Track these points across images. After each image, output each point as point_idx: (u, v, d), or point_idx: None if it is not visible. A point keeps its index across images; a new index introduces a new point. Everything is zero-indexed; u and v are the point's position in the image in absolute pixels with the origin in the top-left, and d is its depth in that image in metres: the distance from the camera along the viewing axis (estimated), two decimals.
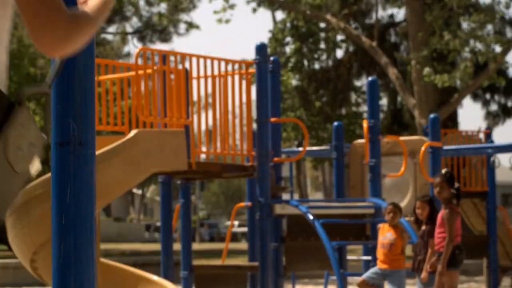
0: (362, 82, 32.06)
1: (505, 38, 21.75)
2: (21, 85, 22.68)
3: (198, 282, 10.00)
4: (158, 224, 44.41)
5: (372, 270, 9.48)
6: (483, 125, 36.68)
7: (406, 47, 28.56)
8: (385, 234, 9.44)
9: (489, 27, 21.96)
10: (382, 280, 9.50)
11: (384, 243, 9.40)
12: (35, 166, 2.12)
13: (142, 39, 33.49)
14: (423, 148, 11.15)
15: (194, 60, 9.38)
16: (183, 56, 10.05)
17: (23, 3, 1.94)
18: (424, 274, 9.06)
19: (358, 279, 9.57)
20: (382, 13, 31.91)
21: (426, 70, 21.19)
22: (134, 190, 59.17)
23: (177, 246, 10.74)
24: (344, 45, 31.26)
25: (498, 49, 21.68)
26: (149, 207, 75.23)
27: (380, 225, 9.64)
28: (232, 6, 23.73)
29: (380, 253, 9.41)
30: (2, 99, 2.02)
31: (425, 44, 21.55)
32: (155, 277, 8.75)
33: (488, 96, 31.66)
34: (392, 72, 23.36)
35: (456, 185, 9.35)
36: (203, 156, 9.85)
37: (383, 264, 9.36)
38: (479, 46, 21.19)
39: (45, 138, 2.13)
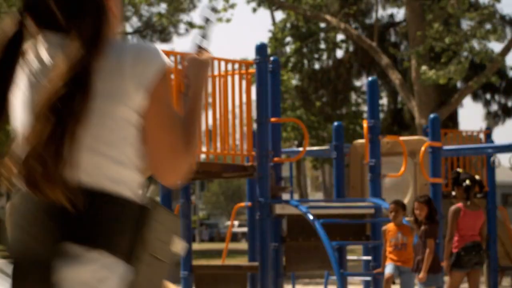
0: (362, 82, 32.07)
1: (502, 32, 21.69)
2: None
3: (198, 282, 10.00)
4: None
5: (390, 265, 9.47)
6: (483, 125, 36.69)
7: (406, 47, 28.56)
8: (396, 236, 9.44)
9: (488, 26, 21.91)
10: (397, 275, 9.53)
11: (398, 245, 9.40)
12: (178, 245, 2.29)
13: (142, 39, 33.51)
14: (423, 148, 11.15)
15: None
16: (183, 56, 10.05)
17: (153, 142, 2.23)
18: (422, 275, 9.06)
19: (359, 278, 9.58)
20: (382, 13, 31.93)
21: (423, 68, 21.18)
22: None
23: None
24: (344, 45, 31.26)
25: (496, 48, 21.69)
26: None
27: (386, 227, 9.62)
28: (232, 6, 23.73)
29: (394, 254, 9.41)
30: (132, 208, 2.21)
31: (422, 42, 21.55)
32: None
33: (488, 96, 31.67)
34: (392, 72, 23.37)
35: (467, 182, 9.36)
36: (203, 156, 9.85)
37: (398, 262, 9.38)
38: (476, 46, 21.17)
39: (178, 217, 2.33)
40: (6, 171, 2.18)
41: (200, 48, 2.59)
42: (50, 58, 2.22)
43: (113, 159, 2.19)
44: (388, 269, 9.57)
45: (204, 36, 2.58)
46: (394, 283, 9.53)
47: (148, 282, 2.21)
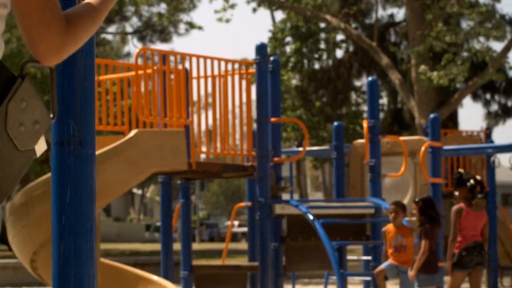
0: (362, 82, 32.07)
1: (502, 30, 21.67)
2: None
3: (198, 282, 10.00)
4: (158, 224, 44.40)
5: (389, 263, 9.47)
6: (483, 125, 36.69)
7: (406, 47, 28.55)
8: (395, 237, 9.43)
9: (489, 26, 21.89)
10: (396, 274, 9.53)
11: (397, 246, 9.41)
12: (41, 145, 2.06)
13: (142, 39, 33.50)
14: (423, 148, 11.15)
15: (194, 60, 9.38)
16: (183, 56, 10.05)
17: (22, 10, 2.04)
18: (412, 273, 9.07)
19: (359, 278, 9.60)
20: (382, 13, 31.93)
21: (422, 67, 21.18)
22: (134, 190, 59.17)
23: (177, 246, 10.75)
24: (344, 45, 31.26)
25: (497, 47, 21.71)
26: (149, 207, 75.24)
27: (385, 228, 9.62)
28: (232, 6, 23.72)
29: (394, 256, 9.41)
30: (2, 72, 1.99)
31: (422, 42, 21.55)
32: (155, 277, 8.76)
33: (488, 96, 31.66)
34: (392, 72, 23.36)
35: (471, 182, 9.36)
36: (203, 156, 9.85)
37: (398, 263, 9.38)
38: (477, 46, 21.16)
39: (50, 117, 2.08)
40: None
41: None
42: None
43: None
44: (383, 264, 9.60)
45: None
46: (387, 279, 9.53)
47: None
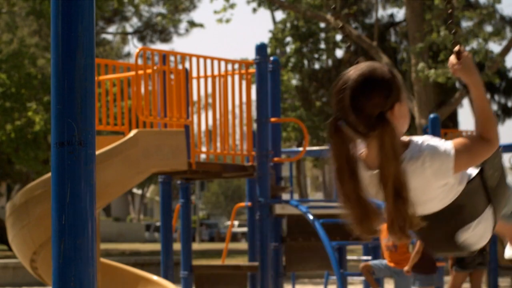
0: None
1: (503, 33, 21.68)
2: (21, 85, 22.66)
3: (198, 282, 10.00)
4: (158, 224, 44.41)
5: (382, 261, 9.48)
6: None
7: (406, 47, 28.55)
8: (387, 236, 9.44)
9: (489, 28, 21.92)
10: (389, 275, 9.52)
11: (388, 245, 9.41)
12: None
13: (142, 39, 33.51)
14: None
15: (194, 60, 9.39)
16: (183, 56, 10.06)
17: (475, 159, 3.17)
18: (406, 269, 9.08)
19: (358, 278, 9.59)
20: (382, 13, 31.93)
21: (421, 65, 21.18)
22: (134, 190, 59.19)
23: (177, 246, 10.75)
24: (344, 45, 31.24)
25: (496, 49, 21.66)
26: (149, 207, 75.25)
27: (380, 227, 9.64)
28: (232, 6, 23.73)
29: (386, 255, 9.42)
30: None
31: (422, 41, 21.55)
32: (155, 277, 8.76)
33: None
34: None
35: None
36: (203, 156, 9.85)
37: (391, 263, 9.39)
38: (475, 46, 21.15)
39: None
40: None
41: (458, 51, 3.23)
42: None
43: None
44: (374, 261, 9.60)
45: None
46: (374, 273, 9.52)
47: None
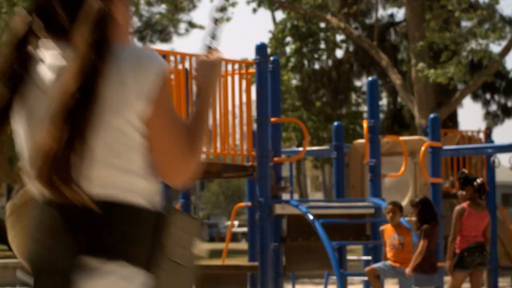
0: (362, 82, 32.07)
1: (502, 32, 21.66)
2: None
3: (198, 282, 10.00)
4: None
5: (385, 263, 9.48)
6: (483, 125, 36.68)
7: (406, 47, 28.56)
8: (392, 235, 9.45)
9: (488, 27, 21.90)
10: (393, 276, 9.53)
11: (395, 244, 9.41)
12: (199, 248, 2.31)
13: (142, 39, 33.51)
14: (423, 148, 11.15)
15: (194, 60, 9.37)
16: (183, 56, 10.05)
17: (158, 147, 2.26)
18: (408, 270, 9.09)
19: (359, 278, 9.60)
20: (382, 13, 31.92)
21: (420, 65, 21.18)
22: None
23: None
24: (344, 45, 31.26)
25: (496, 49, 21.66)
26: None
27: (383, 227, 9.64)
28: (233, 4, 23.72)
29: (391, 254, 9.42)
30: (148, 216, 2.24)
31: (422, 40, 21.55)
32: None
33: (488, 96, 31.67)
34: (392, 72, 23.37)
35: (479, 180, 9.39)
36: (203, 156, 9.84)
37: (395, 263, 9.38)
38: (474, 46, 21.15)
39: (198, 220, 2.36)
40: (20, 177, 2.32)
41: (210, 49, 2.56)
42: (57, 63, 2.25)
43: (122, 169, 2.22)
44: (377, 263, 9.61)
45: (213, 37, 2.58)
46: (378, 277, 9.53)
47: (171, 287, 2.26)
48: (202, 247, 2.30)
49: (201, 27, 30.32)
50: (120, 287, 2.16)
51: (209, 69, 2.49)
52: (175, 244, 2.25)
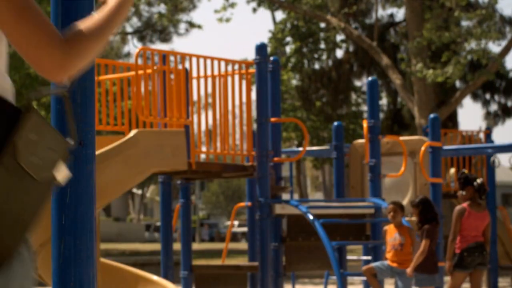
0: (362, 82, 32.06)
1: (500, 33, 21.68)
2: (21, 86, 22.68)
3: (198, 282, 10.00)
4: (158, 224, 44.40)
5: (383, 263, 9.49)
6: (483, 125, 36.66)
7: (406, 47, 28.56)
8: (393, 235, 9.45)
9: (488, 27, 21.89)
10: (391, 276, 9.53)
11: (395, 244, 9.42)
12: (61, 172, 2.07)
13: (142, 39, 33.50)
14: (423, 148, 11.15)
15: (194, 60, 9.39)
16: (183, 56, 10.06)
17: (14, 38, 2.05)
18: (409, 270, 9.10)
19: (359, 278, 9.60)
20: (382, 13, 31.92)
21: (419, 65, 21.19)
22: (134, 190, 59.18)
23: (177, 246, 10.74)
24: (344, 45, 31.26)
25: (495, 50, 21.62)
26: (149, 207, 75.26)
27: (386, 227, 9.65)
28: (232, 5, 23.73)
29: (391, 254, 9.42)
30: (4, 108, 2.00)
31: (420, 36, 21.55)
32: (155, 277, 8.75)
33: (488, 96, 31.66)
34: (392, 72, 23.36)
35: (479, 180, 9.40)
36: (203, 156, 9.85)
37: (394, 263, 9.39)
38: (473, 46, 21.15)
39: (67, 142, 2.10)
40: None
41: None
42: None
43: None
44: (375, 263, 9.61)
45: None
46: (376, 276, 9.54)
47: (7, 195, 1.97)
48: (63, 171, 2.07)
49: (199, 27, 30.32)
50: None
51: None
52: (30, 152, 1.99)
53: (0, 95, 2.04)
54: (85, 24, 2.11)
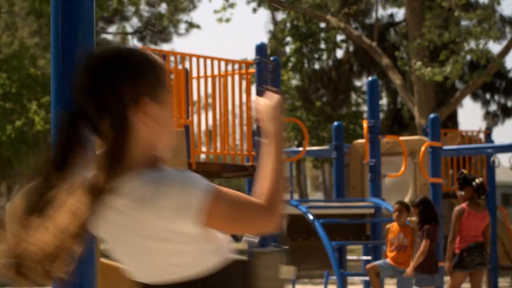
0: (362, 82, 32.06)
1: (500, 33, 21.68)
2: (21, 86, 22.65)
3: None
4: None
5: (386, 261, 9.49)
6: (483, 125, 36.69)
7: (406, 47, 28.58)
8: (397, 235, 9.45)
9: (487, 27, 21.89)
10: (392, 275, 9.53)
11: (398, 245, 9.42)
12: (287, 271, 2.62)
13: (142, 39, 33.50)
14: (423, 148, 11.15)
15: (194, 60, 9.39)
16: (183, 56, 10.06)
17: (230, 232, 2.35)
18: (409, 270, 9.10)
19: (359, 278, 9.59)
20: (382, 13, 31.92)
21: (418, 64, 21.18)
22: None
23: None
24: (344, 45, 31.26)
25: (495, 49, 21.65)
26: None
27: (388, 225, 9.65)
28: (232, 5, 23.73)
29: (392, 254, 9.43)
30: (240, 265, 2.36)
31: (420, 38, 21.55)
32: None
33: (488, 96, 31.66)
34: (392, 72, 23.37)
35: (478, 180, 9.40)
36: (203, 156, 9.85)
37: (395, 263, 9.39)
38: (473, 46, 21.13)
39: (279, 250, 2.55)
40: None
41: (268, 89, 2.51)
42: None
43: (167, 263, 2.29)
44: (378, 261, 9.61)
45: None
46: (378, 275, 9.54)
47: None
48: (289, 269, 2.55)
49: (198, 27, 30.34)
50: None
51: (273, 112, 2.43)
52: (264, 280, 2.47)
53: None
54: (265, 179, 2.35)
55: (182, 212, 2.17)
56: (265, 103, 2.44)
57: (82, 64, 2.29)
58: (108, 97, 2.22)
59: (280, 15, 29.91)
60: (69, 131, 2.26)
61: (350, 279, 12.52)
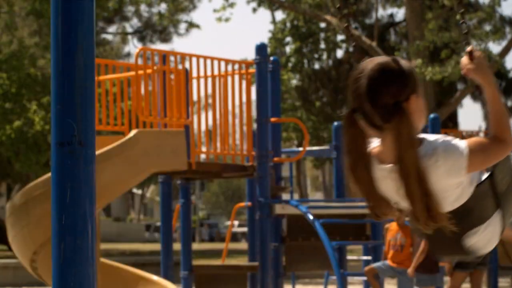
0: None
1: (502, 33, 21.68)
2: (21, 86, 22.65)
3: (198, 282, 10.00)
4: (158, 224, 44.43)
5: (384, 263, 9.49)
6: (483, 125, 36.66)
7: (406, 47, 28.58)
8: (395, 235, 9.45)
9: (488, 28, 21.90)
10: (392, 275, 9.53)
11: (395, 245, 9.42)
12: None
13: (142, 39, 33.51)
14: None
15: (194, 60, 9.39)
16: (183, 56, 10.06)
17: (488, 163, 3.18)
18: (410, 270, 9.10)
19: (359, 278, 9.58)
20: (382, 13, 31.93)
21: (418, 61, 21.18)
22: (134, 190, 59.20)
23: (177, 246, 10.75)
24: (344, 45, 31.27)
25: (495, 50, 21.63)
26: (149, 207, 75.28)
27: (388, 225, 9.65)
28: (232, 5, 23.73)
29: (390, 254, 9.43)
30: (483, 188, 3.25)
31: (421, 39, 21.55)
32: (155, 277, 8.75)
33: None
34: None
35: None
36: (203, 156, 9.85)
37: (394, 263, 9.39)
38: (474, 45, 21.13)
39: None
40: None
41: (471, 51, 3.20)
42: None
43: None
44: (376, 263, 9.61)
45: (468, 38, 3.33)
46: (377, 277, 9.55)
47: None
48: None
49: (198, 27, 30.33)
50: (491, 230, 3.26)
51: (486, 67, 3.18)
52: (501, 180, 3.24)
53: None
54: (506, 122, 3.13)
55: (455, 173, 3.09)
56: (479, 56, 3.17)
57: (363, 75, 3.14)
58: (388, 99, 3.09)
59: (280, 15, 29.95)
60: (350, 125, 3.09)
61: (350, 279, 12.52)
